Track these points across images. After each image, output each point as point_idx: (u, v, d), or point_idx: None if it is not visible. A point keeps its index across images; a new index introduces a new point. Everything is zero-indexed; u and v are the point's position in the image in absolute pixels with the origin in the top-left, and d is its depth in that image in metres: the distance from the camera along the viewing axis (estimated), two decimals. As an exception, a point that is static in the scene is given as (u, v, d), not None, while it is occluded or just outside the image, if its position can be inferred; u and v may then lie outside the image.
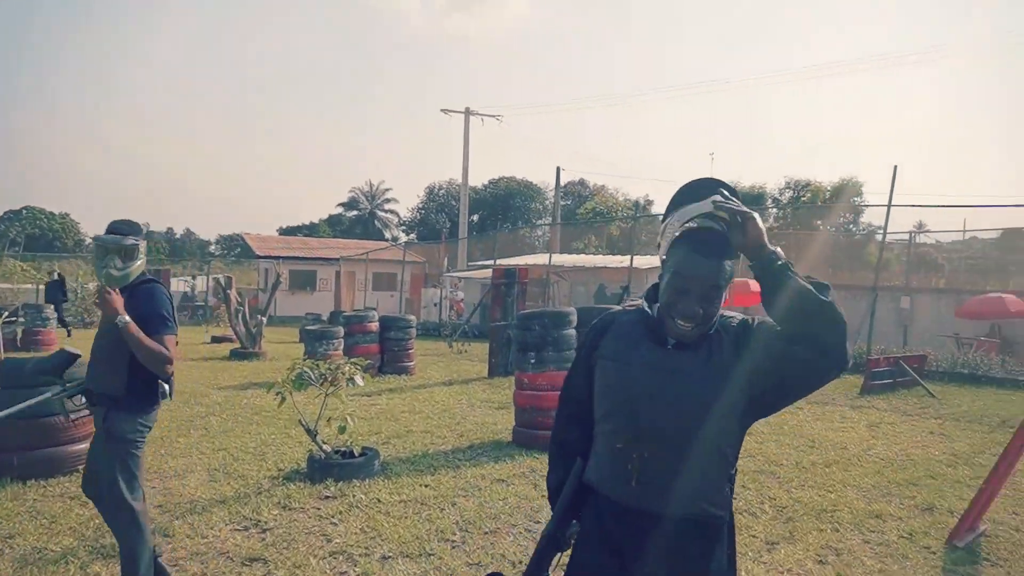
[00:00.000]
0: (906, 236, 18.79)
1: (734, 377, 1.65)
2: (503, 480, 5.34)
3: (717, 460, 1.70)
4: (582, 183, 51.13)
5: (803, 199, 35.18)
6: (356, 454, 5.20)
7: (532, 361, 6.63)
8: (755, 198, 32.91)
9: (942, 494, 5.17)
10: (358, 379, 4.72)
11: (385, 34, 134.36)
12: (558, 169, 23.77)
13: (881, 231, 34.24)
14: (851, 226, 33.94)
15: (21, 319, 13.88)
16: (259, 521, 4.33)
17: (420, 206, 57.05)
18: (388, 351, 11.54)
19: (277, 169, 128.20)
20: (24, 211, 65.21)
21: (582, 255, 27.89)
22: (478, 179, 53.80)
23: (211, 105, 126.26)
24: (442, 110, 29.04)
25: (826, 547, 4.13)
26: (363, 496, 4.81)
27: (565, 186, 36.43)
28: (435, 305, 22.82)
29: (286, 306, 28.66)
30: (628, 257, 21.55)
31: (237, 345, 14.05)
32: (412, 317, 12.29)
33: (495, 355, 11.56)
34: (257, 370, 11.83)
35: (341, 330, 11.05)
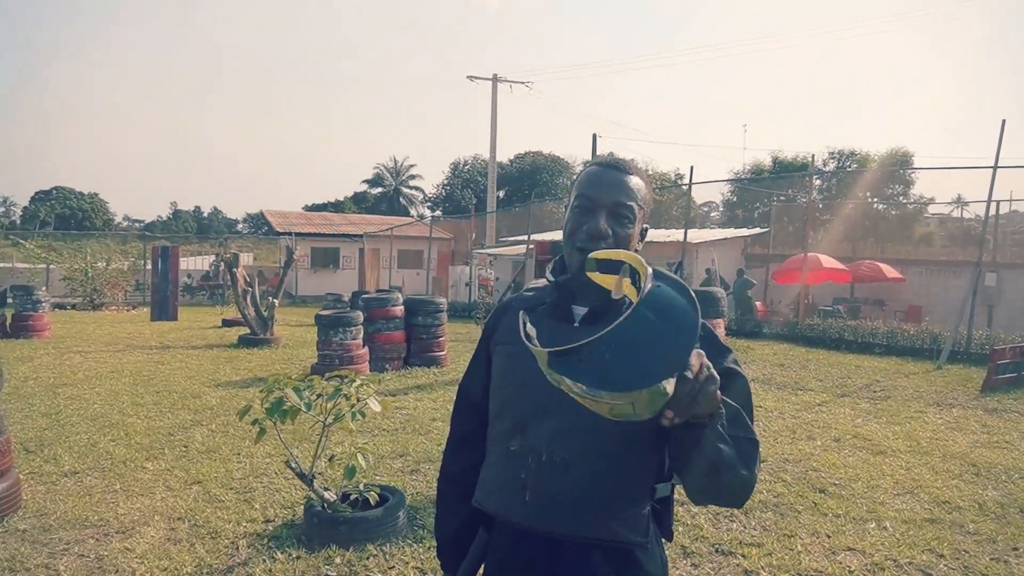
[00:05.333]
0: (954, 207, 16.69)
1: None
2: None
3: (632, 468, 1.27)
4: (611, 156, 49.16)
5: (849, 168, 32.92)
6: (372, 502, 3.64)
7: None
8: (799, 167, 30.69)
9: None
10: (372, 403, 3.17)
11: (405, 7, 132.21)
12: (594, 136, 21.81)
13: (931, 201, 31.23)
14: (900, 198, 31.74)
15: (10, 301, 12.47)
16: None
17: (445, 182, 55.66)
18: (415, 339, 9.99)
19: (303, 148, 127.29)
20: (54, 191, 65.12)
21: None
22: (504, 154, 52.43)
23: (239, 85, 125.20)
24: (468, 77, 27.36)
25: None
26: None
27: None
28: (466, 285, 21.23)
29: (309, 285, 27.53)
30: (674, 231, 19.80)
31: (247, 330, 12.68)
32: (442, 300, 10.69)
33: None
34: (266, 360, 10.39)
35: (360, 315, 9.46)
